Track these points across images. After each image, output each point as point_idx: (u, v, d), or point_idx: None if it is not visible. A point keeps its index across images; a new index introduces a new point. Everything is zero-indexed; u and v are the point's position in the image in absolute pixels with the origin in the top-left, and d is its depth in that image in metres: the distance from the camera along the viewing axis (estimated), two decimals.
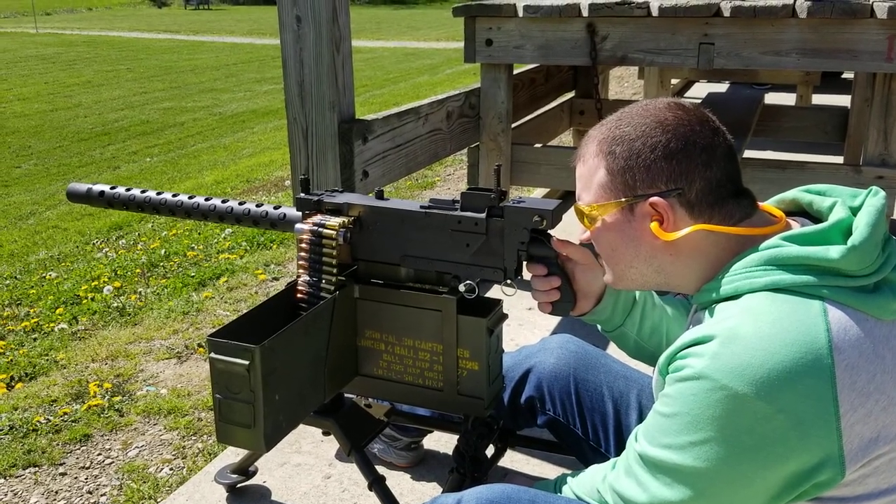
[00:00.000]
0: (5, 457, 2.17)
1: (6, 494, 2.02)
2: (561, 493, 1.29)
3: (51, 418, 2.39)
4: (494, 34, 2.67)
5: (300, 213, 1.47)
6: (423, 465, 1.83)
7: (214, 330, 1.27)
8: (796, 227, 1.09)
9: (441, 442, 1.91)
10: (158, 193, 1.61)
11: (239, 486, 1.75)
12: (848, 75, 5.77)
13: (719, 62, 2.45)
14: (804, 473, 0.96)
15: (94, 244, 4.87)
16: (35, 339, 3.18)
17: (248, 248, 4.19)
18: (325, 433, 1.60)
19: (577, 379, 1.52)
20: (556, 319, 2.61)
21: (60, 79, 13.93)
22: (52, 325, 3.34)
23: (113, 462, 2.16)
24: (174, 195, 1.60)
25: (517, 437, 1.69)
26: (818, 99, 5.60)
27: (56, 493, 2.03)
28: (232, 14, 33.74)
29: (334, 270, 1.40)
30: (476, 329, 1.38)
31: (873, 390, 0.95)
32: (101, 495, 2.01)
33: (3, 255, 4.99)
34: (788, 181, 2.47)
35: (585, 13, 2.54)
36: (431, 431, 1.82)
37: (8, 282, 4.29)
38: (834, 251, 0.98)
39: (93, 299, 3.62)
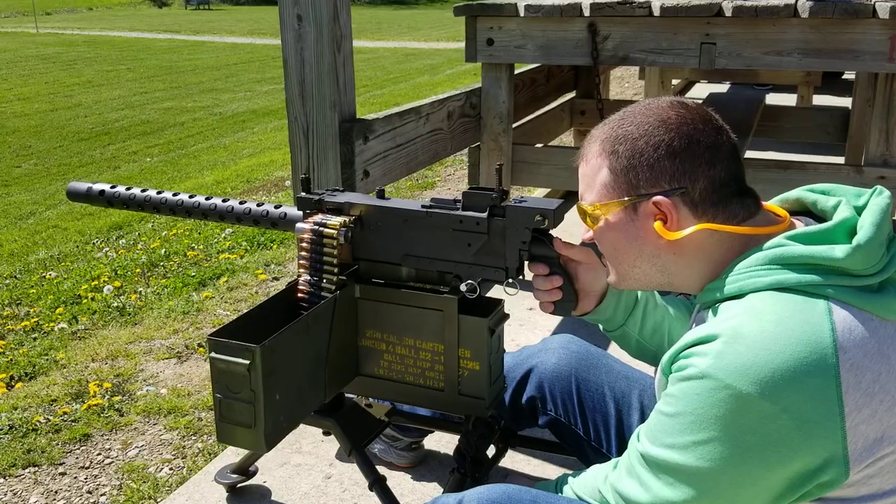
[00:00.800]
0: (5, 456, 2.16)
1: (6, 494, 2.02)
2: (562, 493, 1.28)
3: (50, 418, 2.38)
4: (496, 34, 2.67)
5: (301, 213, 1.47)
6: (423, 466, 1.83)
7: (215, 329, 1.27)
8: (800, 227, 1.08)
9: (442, 442, 1.90)
10: (159, 192, 1.61)
11: (239, 486, 1.75)
12: (849, 76, 5.76)
13: (721, 62, 2.45)
14: (808, 474, 0.95)
15: (94, 244, 4.87)
16: (35, 339, 3.17)
17: (248, 247, 4.19)
18: (326, 433, 1.59)
19: (578, 379, 1.51)
20: (557, 319, 2.60)
21: (61, 79, 13.93)
22: (51, 324, 3.33)
23: (113, 462, 2.15)
24: (174, 194, 1.60)
25: (518, 438, 1.69)
26: (819, 100, 5.60)
27: (55, 492, 2.02)
28: (232, 14, 33.75)
29: (335, 270, 1.40)
30: (477, 329, 1.37)
31: (878, 390, 0.95)
32: (101, 495, 2.00)
33: (2, 254, 4.99)
34: (790, 181, 2.47)
35: (587, 13, 2.54)
36: (432, 431, 1.81)
37: (8, 281, 4.29)
38: (839, 250, 0.98)
39: (93, 299, 3.62)
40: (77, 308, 3.52)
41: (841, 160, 3.59)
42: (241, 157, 7.61)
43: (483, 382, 1.40)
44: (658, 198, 1.06)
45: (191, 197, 1.59)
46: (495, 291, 1.43)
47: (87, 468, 2.13)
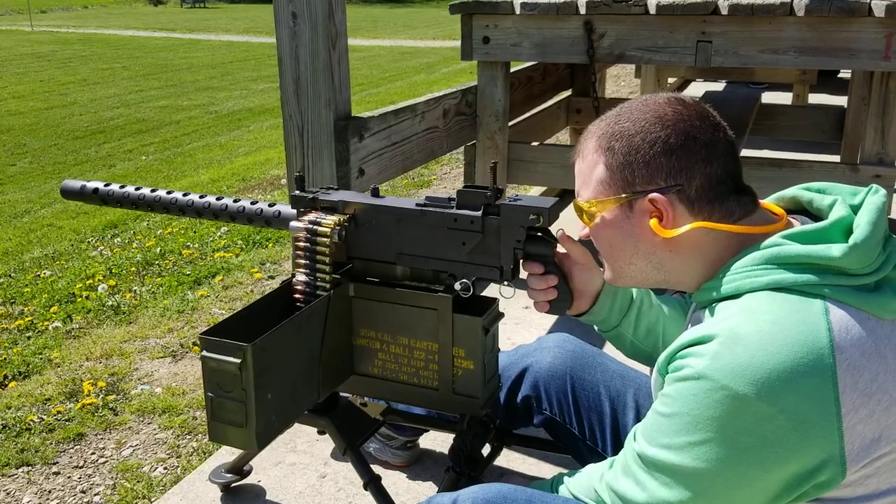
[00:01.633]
0: (0, 455, 2.15)
1: None
2: (557, 492, 1.28)
3: (44, 417, 2.37)
4: (491, 31, 2.66)
5: (295, 211, 1.46)
6: (419, 465, 1.82)
7: (208, 328, 1.26)
8: (797, 226, 1.08)
9: (437, 441, 1.90)
10: (153, 190, 1.60)
11: (233, 485, 1.74)
12: (844, 74, 5.77)
13: (717, 60, 2.44)
14: (805, 474, 0.95)
15: (88, 242, 4.85)
16: (29, 338, 3.16)
17: (243, 246, 4.18)
18: (321, 432, 1.59)
19: (573, 378, 1.51)
20: (552, 318, 2.60)
21: (56, 77, 13.89)
22: (46, 323, 3.32)
23: (107, 461, 2.15)
24: (168, 192, 1.59)
25: (514, 437, 1.68)
26: (815, 98, 5.60)
27: (49, 492, 2.02)
28: (228, 12, 33.68)
29: (329, 269, 1.39)
30: (471, 328, 1.37)
31: (876, 390, 0.94)
32: (95, 494, 1.99)
33: None
34: (785, 180, 2.47)
35: (583, 10, 2.53)
36: (428, 430, 1.81)
37: (2, 280, 4.27)
38: (835, 249, 0.97)
39: (87, 298, 3.60)
40: (71, 307, 3.51)
41: (837, 158, 3.60)
42: (237, 156, 7.59)
43: (477, 381, 1.39)
44: (654, 195, 1.06)
45: (185, 195, 1.58)
46: (490, 291, 1.42)
47: (81, 467, 2.12)
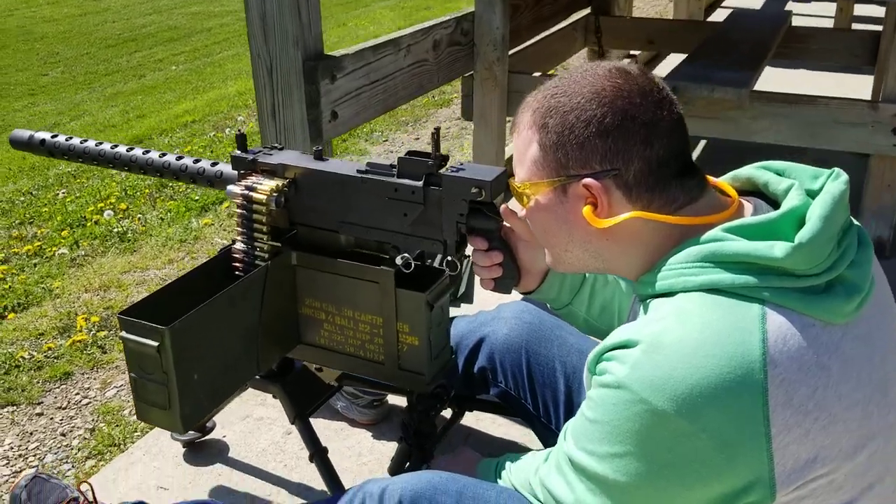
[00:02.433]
0: None
1: None
2: (500, 477, 1.23)
3: (35, 354, 2.39)
4: None
5: (236, 173, 1.38)
6: (386, 422, 1.78)
7: (127, 306, 1.20)
8: (748, 210, 0.97)
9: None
10: (97, 144, 1.53)
11: (197, 441, 1.73)
12: None
13: None
14: (731, 495, 0.87)
15: None
16: (35, 265, 3.18)
17: None
18: (274, 397, 1.54)
19: (529, 352, 1.43)
20: None
21: None
22: (54, 248, 3.33)
23: (90, 402, 2.16)
24: (113, 146, 1.52)
25: (475, 402, 1.62)
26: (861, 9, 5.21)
27: (30, 434, 2.04)
28: None
29: (266, 238, 1.31)
30: (415, 304, 1.29)
31: (813, 407, 0.84)
32: (74, 437, 2.01)
33: (24, 167, 4.99)
34: (797, 117, 2.29)
35: None
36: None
37: (24, 198, 4.29)
38: (778, 249, 0.86)
39: (97, 223, 3.60)
40: (81, 232, 3.51)
41: (856, 95, 3.34)
42: None
43: (423, 358, 1.32)
44: (588, 180, 0.94)
45: (129, 149, 1.50)
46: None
47: (65, 408, 2.14)
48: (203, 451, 1.72)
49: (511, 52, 2.68)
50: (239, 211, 1.32)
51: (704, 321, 0.86)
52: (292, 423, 1.47)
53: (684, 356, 0.84)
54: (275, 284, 1.33)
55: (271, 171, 1.33)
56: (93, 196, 4.11)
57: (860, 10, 5.24)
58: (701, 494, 0.88)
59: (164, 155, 1.47)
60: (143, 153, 1.48)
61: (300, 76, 1.83)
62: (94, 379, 2.26)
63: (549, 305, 1.29)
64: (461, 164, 1.23)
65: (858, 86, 4.05)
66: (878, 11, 5.12)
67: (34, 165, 4.99)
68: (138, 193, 4.07)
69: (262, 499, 1.60)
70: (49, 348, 2.42)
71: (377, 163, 1.27)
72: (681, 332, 0.85)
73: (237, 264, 1.34)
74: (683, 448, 0.85)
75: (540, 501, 1.08)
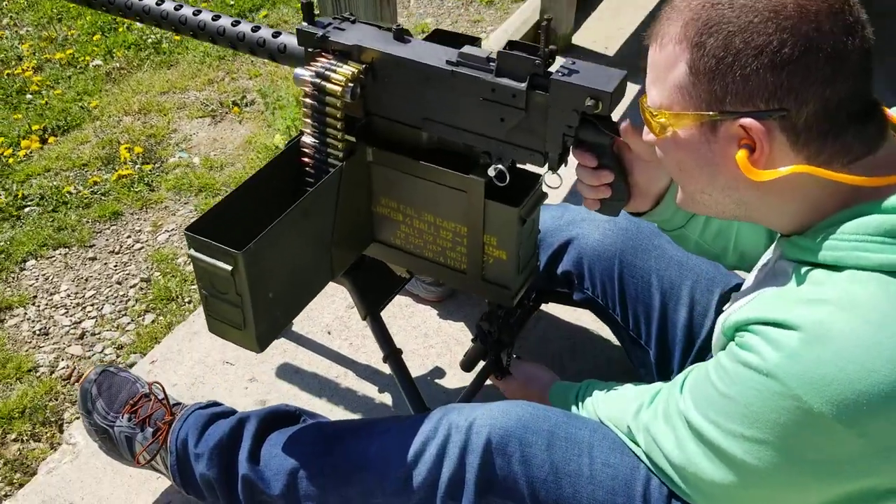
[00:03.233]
0: (36, 234, 2.12)
1: (37, 279, 2.00)
2: (583, 403, 1.16)
3: (80, 189, 2.30)
4: None
5: (302, 49, 1.19)
6: (451, 301, 1.71)
7: (197, 218, 1.08)
8: None
9: None
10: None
11: None
12: None
13: None
14: (879, 493, 0.80)
15: None
16: (70, 77, 3.01)
17: None
18: None
19: (622, 262, 1.31)
20: None
21: None
22: (87, 58, 3.14)
23: (143, 247, 2.10)
24: (159, 2, 1.32)
25: (553, 295, 1.52)
26: None
27: (86, 280, 2.00)
28: None
29: (339, 132, 1.16)
30: (506, 217, 1.15)
31: None
32: (129, 287, 1.97)
33: None
34: None
35: None
36: None
37: None
38: None
39: (129, 28, 3.37)
40: (113, 39, 3.29)
41: None
42: None
43: (510, 272, 1.21)
44: (747, 121, 0.77)
45: (177, 8, 1.31)
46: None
47: (117, 253, 2.09)
48: None
49: None
50: (308, 101, 1.15)
51: (882, 314, 0.73)
52: (363, 320, 1.39)
53: (855, 356, 0.72)
54: (349, 186, 1.20)
55: (344, 53, 1.15)
56: None
57: None
58: (840, 489, 0.81)
59: (217, 17, 1.28)
60: (195, 13, 1.29)
61: None
62: (145, 220, 2.19)
63: (657, 225, 1.15)
64: (573, 63, 1.04)
65: None
66: None
67: None
68: None
69: (331, 381, 1.57)
70: (95, 182, 2.33)
71: (472, 53, 1.08)
72: (853, 324, 0.73)
73: (307, 160, 1.20)
74: (835, 450, 0.77)
75: (636, 444, 1.02)
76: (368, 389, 1.55)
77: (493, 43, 2.65)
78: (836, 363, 0.73)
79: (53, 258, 2.07)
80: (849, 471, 0.78)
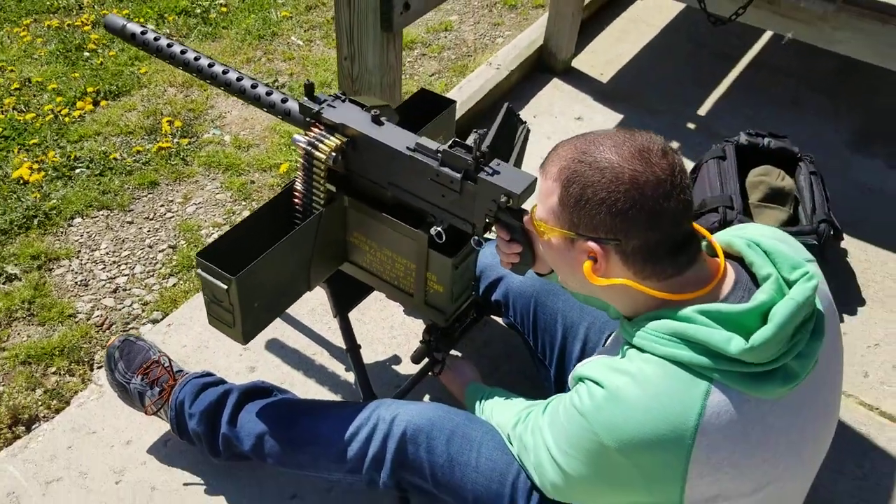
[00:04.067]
0: (84, 194, 2.50)
1: (82, 235, 2.39)
2: (484, 408, 1.52)
3: (125, 156, 2.67)
4: None
5: (302, 116, 1.53)
6: None
7: (205, 247, 1.44)
8: (729, 281, 1.13)
9: None
10: (182, 52, 1.66)
11: None
12: None
13: None
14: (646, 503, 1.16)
15: None
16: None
17: None
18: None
19: (537, 301, 1.65)
20: None
21: None
22: (141, 19, 3.47)
23: (173, 216, 2.47)
24: (196, 58, 1.65)
25: (490, 307, 1.87)
26: None
27: (122, 241, 2.38)
28: None
29: (324, 185, 1.50)
30: (443, 264, 1.50)
31: (726, 465, 1.09)
32: (158, 251, 2.35)
33: None
34: (885, 36, 2.21)
35: None
36: None
37: None
38: (734, 344, 1.04)
39: None
40: (165, 2, 3.60)
41: None
42: None
43: (445, 301, 1.56)
44: (592, 244, 1.11)
45: (210, 65, 1.64)
46: None
47: (151, 219, 2.46)
48: None
49: None
50: (301, 161, 1.50)
51: (658, 389, 1.07)
52: (335, 318, 1.76)
53: (635, 414, 1.07)
54: (327, 222, 1.55)
55: (333, 127, 1.49)
56: None
57: None
58: (624, 498, 1.16)
59: (241, 79, 1.61)
60: (223, 72, 1.63)
61: None
62: (177, 192, 2.56)
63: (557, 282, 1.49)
64: (498, 165, 1.37)
65: None
66: None
67: None
68: None
69: (308, 357, 1.95)
70: (137, 151, 2.69)
71: (425, 145, 1.41)
72: (638, 392, 1.07)
73: (296, 202, 1.55)
74: (617, 472, 1.12)
75: (512, 445, 1.39)
76: (337, 368, 1.93)
77: (500, 58, 2.95)
78: (622, 416, 1.07)
79: (97, 218, 2.45)
80: (628, 487, 1.13)
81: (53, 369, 2.00)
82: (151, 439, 1.77)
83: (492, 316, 1.99)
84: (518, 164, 1.92)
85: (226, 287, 1.41)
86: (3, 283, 2.22)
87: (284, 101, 1.58)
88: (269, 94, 1.59)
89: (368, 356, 1.89)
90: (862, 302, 2.24)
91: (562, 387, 1.64)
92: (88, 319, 2.14)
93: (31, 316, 2.14)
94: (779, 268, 1.13)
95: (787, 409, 1.10)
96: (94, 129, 2.78)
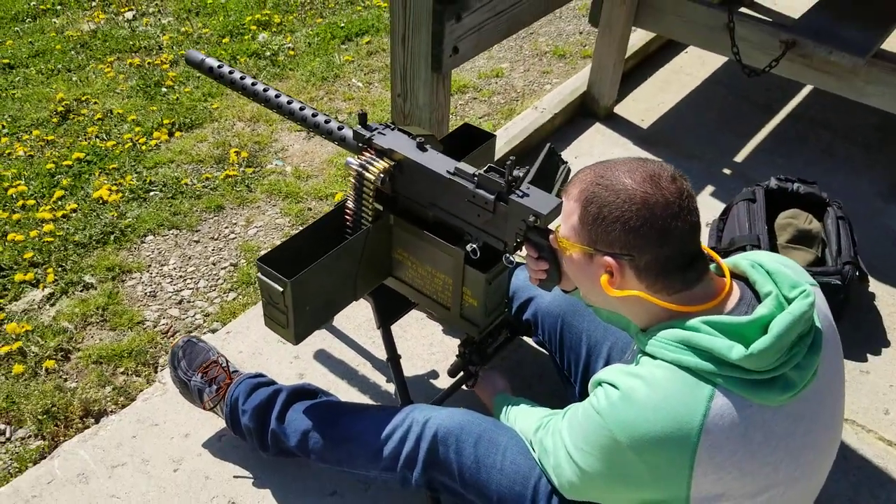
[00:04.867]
0: (157, 215, 2.73)
1: (153, 252, 2.61)
2: (510, 417, 1.65)
3: (195, 182, 2.90)
4: None
5: (356, 143, 1.71)
6: None
7: (265, 252, 1.62)
8: (734, 297, 1.25)
9: None
10: (253, 83, 1.87)
11: None
12: None
13: None
14: (655, 500, 1.27)
15: None
16: (199, 77, 3.62)
17: None
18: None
19: (564, 321, 1.79)
20: None
21: None
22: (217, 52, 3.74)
23: (236, 238, 2.68)
24: (265, 89, 1.86)
25: (523, 328, 2.01)
26: None
27: (189, 258, 2.59)
28: None
29: (372, 204, 1.67)
30: (477, 279, 1.65)
31: (729, 465, 1.20)
32: (221, 269, 2.55)
33: None
34: None
35: None
36: None
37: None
38: (735, 352, 1.16)
39: (253, 38, 3.97)
40: (239, 45, 3.89)
41: None
42: None
43: (479, 315, 1.71)
44: (608, 258, 1.25)
45: (276, 96, 1.84)
46: None
47: (216, 239, 2.67)
48: None
49: None
50: (352, 181, 1.67)
51: (666, 391, 1.19)
52: (378, 329, 1.92)
53: (645, 413, 1.19)
54: (374, 238, 1.71)
55: (382, 152, 1.66)
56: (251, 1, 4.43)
57: None
58: (634, 495, 1.28)
59: (303, 108, 1.81)
60: (287, 102, 1.82)
61: (429, 15, 2.06)
62: (240, 215, 2.77)
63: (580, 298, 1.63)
64: (528, 188, 1.53)
65: None
66: None
67: None
68: (291, 3, 4.36)
69: (352, 368, 2.10)
70: (206, 178, 2.92)
71: (463, 169, 1.58)
72: (648, 393, 1.20)
73: (347, 218, 1.72)
74: (628, 468, 1.23)
75: (534, 450, 1.51)
76: (378, 379, 2.08)
77: (545, 102, 3.12)
78: (634, 414, 1.20)
79: (167, 236, 2.67)
80: (638, 483, 1.25)
81: (122, 370, 2.19)
82: (207, 434, 1.94)
83: (523, 338, 2.13)
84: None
85: (281, 289, 1.58)
86: (81, 291, 2.44)
87: (340, 128, 1.76)
88: (327, 122, 1.78)
89: (408, 370, 2.03)
90: (887, 343, 2.30)
91: None
92: (155, 327, 2.34)
93: (103, 321, 2.34)
94: (779, 286, 1.24)
95: (787, 417, 1.21)
96: (168, 157, 3.03)
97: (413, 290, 1.81)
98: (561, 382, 1.86)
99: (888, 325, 2.36)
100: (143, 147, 3.10)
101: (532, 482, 1.50)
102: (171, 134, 3.20)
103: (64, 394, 2.09)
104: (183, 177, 2.92)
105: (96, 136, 3.17)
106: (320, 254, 1.60)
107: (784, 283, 1.24)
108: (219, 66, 1.92)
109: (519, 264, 1.88)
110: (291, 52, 3.82)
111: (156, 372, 2.19)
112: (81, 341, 2.27)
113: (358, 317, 2.24)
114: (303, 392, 1.78)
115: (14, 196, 2.81)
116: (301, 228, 1.69)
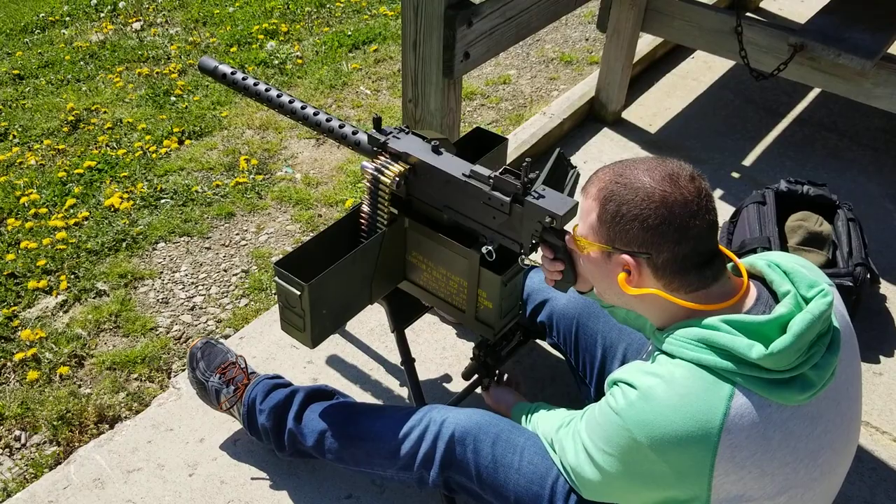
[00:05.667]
0: (168, 222, 2.74)
1: (164, 259, 2.62)
2: (530, 421, 1.65)
3: (205, 189, 2.92)
4: None
5: (371, 147, 1.72)
6: None
7: (281, 258, 1.63)
8: (751, 296, 1.26)
9: None
10: (266, 89, 1.88)
11: None
12: None
13: None
14: (677, 500, 1.27)
15: None
16: (207, 86, 3.65)
17: None
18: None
19: (579, 323, 1.79)
20: None
21: None
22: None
23: (246, 244, 2.69)
24: (278, 95, 1.87)
25: (536, 335, 2.01)
26: None
27: (201, 265, 2.60)
28: None
29: (387, 208, 1.68)
30: (493, 281, 1.65)
31: (749, 464, 1.20)
32: (232, 275, 2.56)
33: None
34: None
35: None
36: None
37: None
38: (755, 351, 1.17)
39: (261, 47, 3.99)
40: (246, 53, 3.91)
41: None
42: None
43: (494, 317, 1.71)
44: (626, 256, 1.26)
45: (290, 101, 1.85)
46: None
47: (227, 246, 2.68)
48: None
49: None
50: (367, 185, 1.68)
51: (686, 389, 1.19)
52: (392, 333, 1.92)
53: (665, 412, 1.19)
54: (389, 241, 1.72)
55: (397, 155, 1.67)
56: (258, 9, 4.46)
57: None
58: (655, 494, 1.28)
59: (317, 113, 1.82)
60: (301, 107, 1.84)
61: (440, 20, 2.08)
62: (251, 222, 2.78)
63: (597, 301, 1.63)
64: (544, 190, 1.53)
65: None
66: None
67: None
68: (299, 11, 4.39)
69: (365, 372, 2.11)
70: (217, 185, 2.94)
71: (479, 171, 1.59)
72: (668, 392, 1.20)
73: (363, 222, 1.73)
74: (649, 468, 1.23)
75: (554, 451, 1.51)
76: (392, 383, 2.08)
77: (553, 108, 3.14)
78: (654, 413, 1.20)
79: (178, 243, 2.68)
80: (660, 482, 1.25)
81: (135, 375, 2.20)
82: (222, 438, 1.95)
83: (537, 340, 2.13)
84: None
85: (299, 293, 1.58)
86: (94, 298, 2.44)
87: (355, 132, 1.78)
88: (341, 126, 1.79)
89: (421, 373, 2.04)
90: None
91: None
92: (168, 333, 2.34)
93: (116, 328, 2.35)
94: (797, 286, 1.25)
95: (806, 417, 1.21)
96: (179, 165, 3.04)
97: (428, 293, 1.81)
98: (575, 384, 1.86)
99: None
100: (154, 155, 3.11)
101: (549, 482, 1.50)
102: (181, 142, 3.21)
103: (78, 400, 2.10)
104: (193, 184, 2.93)
105: (107, 145, 3.18)
106: (336, 258, 1.61)
107: (801, 282, 1.25)
108: (232, 73, 1.94)
109: (532, 267, 1.88)
110: (299, 61, 3.84)
111: (169, 377, 2.20)
112: (95, 348, 2.28)
113: (370, 321, 2.24)
114: (320, 393, 1.78)
115: (27, 204, 2.83)
116: (316, 233, 1.70)
